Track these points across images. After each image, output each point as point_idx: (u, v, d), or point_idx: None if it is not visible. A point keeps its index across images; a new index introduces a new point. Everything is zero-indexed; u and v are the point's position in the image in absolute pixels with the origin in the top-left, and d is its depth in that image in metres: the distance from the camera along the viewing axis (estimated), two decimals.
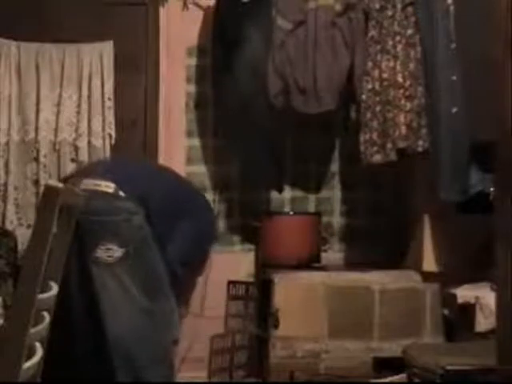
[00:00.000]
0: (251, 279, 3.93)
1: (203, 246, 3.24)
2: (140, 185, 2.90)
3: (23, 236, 3.71)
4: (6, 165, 3.79)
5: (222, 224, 3.97)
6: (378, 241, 4.00)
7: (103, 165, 3.13)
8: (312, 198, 4.08)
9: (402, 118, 3.43)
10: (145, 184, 2.91)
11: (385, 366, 3.40)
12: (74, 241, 2.83)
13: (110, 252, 2.78)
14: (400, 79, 3.45)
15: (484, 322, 3.21)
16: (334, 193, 4.08)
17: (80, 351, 2.90)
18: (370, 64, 3.51)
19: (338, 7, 3.62)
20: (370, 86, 3.50)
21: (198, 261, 3.23)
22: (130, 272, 2.79)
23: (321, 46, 3.58)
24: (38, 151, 3.81)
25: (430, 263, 3.63)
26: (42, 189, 3.40)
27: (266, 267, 3.79)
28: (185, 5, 3.96)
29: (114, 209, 2.82)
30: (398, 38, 3.47)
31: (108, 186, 2.82)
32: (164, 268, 2.89)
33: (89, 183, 2.83)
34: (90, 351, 2.88)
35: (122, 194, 2.83)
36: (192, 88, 4.00)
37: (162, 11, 3.96)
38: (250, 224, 3.94)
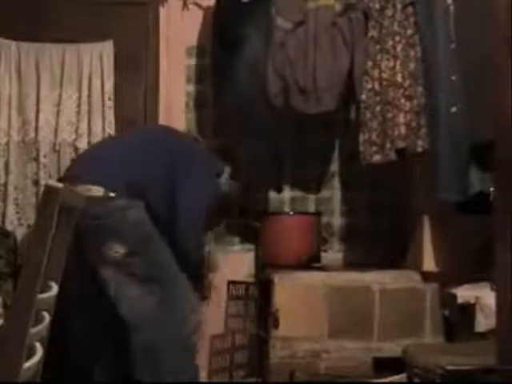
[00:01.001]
0: (251, 279, 3.93)
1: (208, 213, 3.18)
2: (133, 176, 2.91)
3: (23, 236, 3.71)
4: (6, 165, 3.79)
5: (222, 224, 3.97)
6: (378, 241, 4.00)
7: (90, 164, 3.08)
8: (312, 198, 4.07)
9: (401, 118, 3.43)
10: (139, 174, 2.93)
11: (385, 366, 3.40)
12: (80, 246, 2.91)
13: (112, 250, 2.83)
14: (400, 79, 3.45)
15: (484, 322, 3.21)
16: (333, 193, 4.08)
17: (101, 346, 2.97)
18: (369, 64, 3.51)
19: (338, 7, 3.62)
20: (369, 86, 3.50)
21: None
22: (138, 266, 2.86)
23: (321, 45, 3.58)
24: (38, 151, 3.80)
25: (429, 263, 3.62)
26: (42, 189, 3.41)
27: (265, 267, 3.79)
28: (185, 5, 3.96)
29: (108, 210, 2.87)
30: (397, 38, 3.46)
31: (98, 190, 2.87)
32: (171, 256, 2.92)
33: (82, 190, 2.84)
34: (110, 345, 2.94)
35: (111, 194, 2.86)
36: (192, 88, 4.00)
37: (162, 11, 3.96)
38: (250, 224, 3.94)
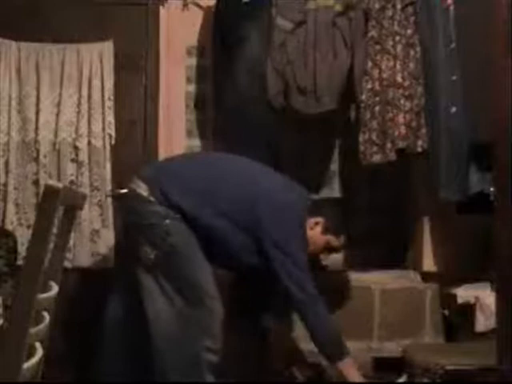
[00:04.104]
0: None
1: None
2: (176, 199, 2.90)
3: (23, 236, 3.72)
4: (6, 165, 3.79)
5: None
6: (378, 241, 3.99)
7: (158, 170, 3.13)
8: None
9: (401, 118, 3.43)
10: (182, 200, 2.91)
11: (385, 365, 3.40)
12: (127, 239, 3.01)
13: (146, 254, 2.88)
14: (400, 79, 3.44)
15: (484, 322, 3.21)
16: (333, 193, 4.08)
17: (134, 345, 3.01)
18: (369, 64, 3.51)
19: (338, 7, 3.62)
20: (369, 86, 3.50)
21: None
22: (164, 275, 2.86)
23: (321, 46, 3.57)
24: (38, 151, 3.81)
25: (429, 263, 3.63)
26: (42, 189, 3.41)
27: None
28: (185, 5, 3.96)
29: (145, 212, 2.90)
30: (397, 38, 3.46)
31: (145, 189, 2.90)
32: (208, 278, 2.91)
33: (135, 182, 2.96)
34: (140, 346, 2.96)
35: (152, 198, 2.88)
36: (192, 88, 4.00)
37: (162, 11, 3.95)
38: None
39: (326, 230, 3.13)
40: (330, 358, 2.97)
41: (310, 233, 3.09)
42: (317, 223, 3.11)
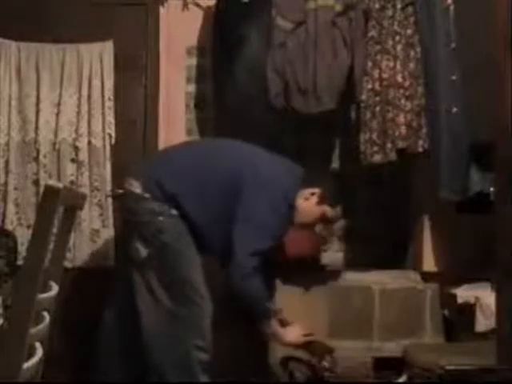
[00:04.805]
0: None
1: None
2: (170, 186, 2.90)
3: (23, 236, 3.72)
4: (6, 165, 3.79)
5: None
6: (378, 241, 3.99)
7: (151, 161, 3.17)
8: None
9: (401, 118, 3.43)
10: (176, 185, 2.91)
11: (385, 366, 3.40)
12: (124, 238, 3.01)
13: (137, 251, 2.89)
14: (400, 79, 3.45)
15: (484, 322, 3.21)
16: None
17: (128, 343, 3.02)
18: (369, 64, 3.51)
19: (338, 7, 3.62)
20: (369, 86, 3.50)
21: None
22: (155, 273, 2.86)
23: (321, 46, 3.57)
24: (38, 151, 3.81)
25: (429, 263, 3.63)
26: (42, 189, 3.41)
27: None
28: (185, 5, 3.96)
29: (139, 210, 2.90)
30: (397, 37, 3.47)
31: (137, 187, 2.89)
32: (199, 277, 2.90)
33: (128, 181, 2.97)
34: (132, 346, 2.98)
35: (146, 195, 2.87)
36: (192, 88, 4.00)
37: (162, 11, 3.96)
38: None
39: (321, 200, 3.08)
40: (260, 321, 2.99)
41: (305, 203, 3.05)
42: (313, 193, 3.07)
